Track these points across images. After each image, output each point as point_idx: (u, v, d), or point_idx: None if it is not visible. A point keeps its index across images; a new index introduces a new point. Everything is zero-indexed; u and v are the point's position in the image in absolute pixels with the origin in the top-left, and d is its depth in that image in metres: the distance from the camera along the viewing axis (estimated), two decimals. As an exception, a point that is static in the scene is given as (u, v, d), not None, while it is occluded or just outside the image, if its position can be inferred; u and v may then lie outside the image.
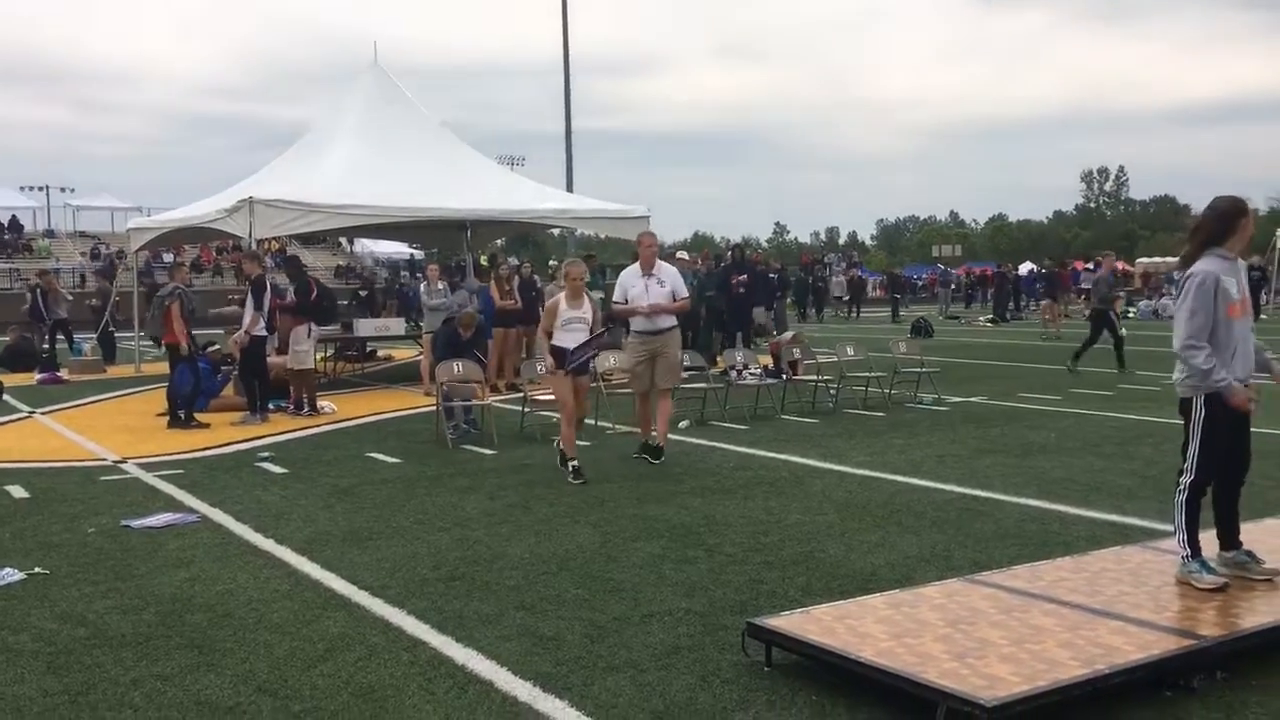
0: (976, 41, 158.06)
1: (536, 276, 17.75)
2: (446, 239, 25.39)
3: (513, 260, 29.38)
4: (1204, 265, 5.30)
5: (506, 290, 16.05)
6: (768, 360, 15.85)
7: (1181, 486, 5.40)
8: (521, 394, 12.53)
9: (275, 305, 13.14)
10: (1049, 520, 7.44)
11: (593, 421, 12.07)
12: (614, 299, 10.21)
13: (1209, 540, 5.49)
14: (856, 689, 4.42)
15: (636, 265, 10.15)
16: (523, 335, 16.60)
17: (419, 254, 50.41)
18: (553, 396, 9.37)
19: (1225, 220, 5.35)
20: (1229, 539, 5.49)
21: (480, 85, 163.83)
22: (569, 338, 9.10)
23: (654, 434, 9.98)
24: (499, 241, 53.74)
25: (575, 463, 9.05)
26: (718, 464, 9.85)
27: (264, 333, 12.88)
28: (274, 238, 17.60)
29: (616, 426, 11.89)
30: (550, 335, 9.12)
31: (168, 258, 40.39)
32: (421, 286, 16.09)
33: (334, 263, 52.48)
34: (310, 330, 13.73)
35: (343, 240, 53.94)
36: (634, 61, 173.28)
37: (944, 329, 30.53)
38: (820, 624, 4.83)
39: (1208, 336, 5.26)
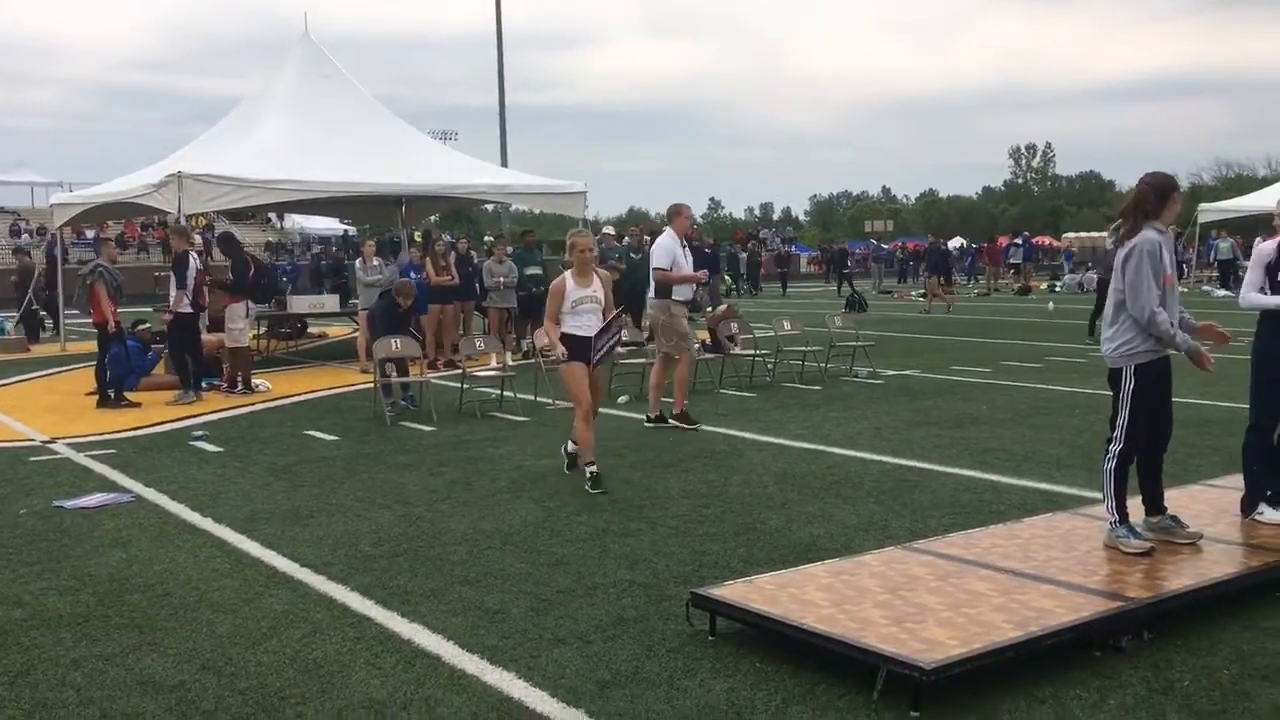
0: (908, 19, 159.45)
1: (474, 252, 17.62)
2: (381, 215, 25.12)
3: (447, 237, 29.17)
4: (1147, 236, 5.45)
5: (442, 266, 15.94)
6: (705, 335, 15.95)
7: (1111, 455, 5.56)
8: (460, 370, 12.48)
9: (202, 281, 12.89)
10: (982, 490, 7.61)
11: (530, 397, 12.08)
12: (659, 265, 10.30)
13: (1136, 507, 5.67)
14: (800, 655, 4.51)
15: (671, 233, 10.45)
16: (460, 311, 16.52)
17: (353, 230, 49.80)
18: (569, 373, 7.86)
19: (1162, 195, 5.50)
20: (1154, 505, 5.67)
21: (412, 58, 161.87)
22: (580, 322, 7.89)
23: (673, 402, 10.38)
24: (433, 218, 53.19)
25: (594, 468, 7.79)
26: (657, 438, 9.91)
27: (188, 310, 12.62)
28: (203, 213, 17.26)
29: (556, 402, 11.90)
30: (556, 321, 7.93)
31: (90, 234, 39.48)
32: (357, 263, 15.90)
33: (264, 239, 51.61)
34: (248, 309, 13.54)
35: (273, 216, 53.09)
36: (568, 35, 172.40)
37: (877, 303, 30.92)
38: (763, 593, 4.92)
39: (1160, 301, 5.42)
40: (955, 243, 53.33)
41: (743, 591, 4.95)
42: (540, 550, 6.32)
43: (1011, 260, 37.71)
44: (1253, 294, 6.02)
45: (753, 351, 14.16)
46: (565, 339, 7.83)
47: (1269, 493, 5.96)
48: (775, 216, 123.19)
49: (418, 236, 25.03)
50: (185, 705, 4.27)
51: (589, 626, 5.03)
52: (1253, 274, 6.08)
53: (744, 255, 39.72)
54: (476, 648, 4.78)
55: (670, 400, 10.44)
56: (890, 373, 14.36)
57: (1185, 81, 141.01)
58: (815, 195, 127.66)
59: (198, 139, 18.75)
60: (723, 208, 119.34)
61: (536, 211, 29.54)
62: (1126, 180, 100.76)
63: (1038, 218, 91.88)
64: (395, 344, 11.40)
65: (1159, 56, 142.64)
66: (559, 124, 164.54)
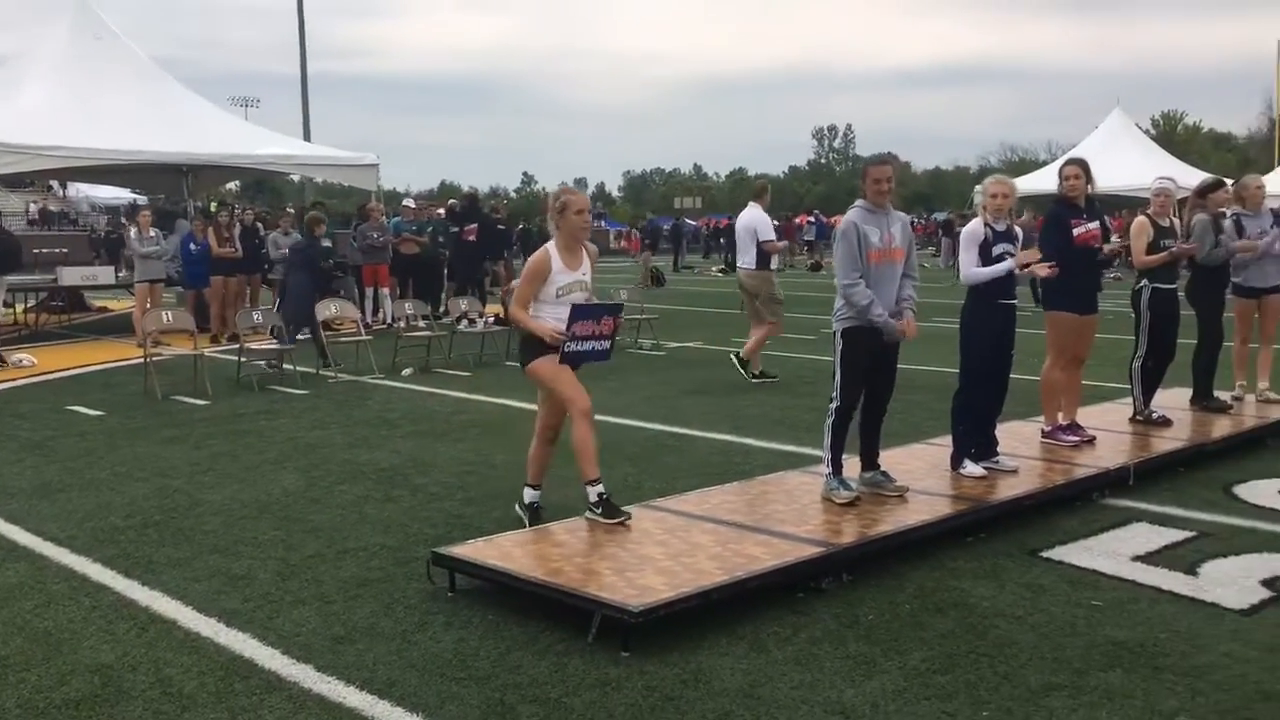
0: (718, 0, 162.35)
1: (260, 224, 17.22)
2: (167, 184, 24.12)
3: (251, 209, 28.24)
4: (848, 215, 5.94)
5: (225, 238, 15.54)
6: (499, 309, 16.10)
7: (829, 413, 6.05)
8: (238, 345, 12.28)
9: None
10: (734, 452, 8.08)
11: (311, 370, 12.00)
12: (767, 237, 11.32)
13: (855, 463, 6.19)
14: (530, 606, 4.79)
15: (758, 207, 11.38)
16: (245, 284, 16.14)
17: (141, 199, 47.46)
18: (556, 371, 5.78)
19: (862, 177, 6.00)
20: (869, 460, 6.20)
21: (207, 21, 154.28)
22: (566, 314, 5.74)
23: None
24: (230, 186, 51.05)
25: (601, 488, 5.68)
26: (435, 409, 10.06)
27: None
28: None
29: (339, 375, 11.86)
30: (526, 307, 5.81)
31: None
32: (132, 233, 15.33)
33: (42, 206, 48.58)
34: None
35: (54, 184, 50.06)
36: (376, 3, 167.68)
37: (676, 279, 31.67)
38: (500, 550, 5.17)
39: (859, 273, 5.88)
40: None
41: (480, 550, 5.19)
42: (296, 519, 6.40)
43: (805, 238, 39.12)
44: (973, 269, 6.58)
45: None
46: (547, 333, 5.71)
47: (972, 449, 6.59)
48: (589, 192, 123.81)
49: (213, 207, 24.22)
50: (-101, 678, 4.22)
51: (332, 588, 5.18)
52: (967, 254, 6.64)
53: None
54: (214, 611, 4.87)
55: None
56: (674, 345, 14.86)
57: (974, 69, 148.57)
58: (629, 171, 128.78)
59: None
60: (536, 182, 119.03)
61: (345, 184, 28.97)
62: (923, 162, 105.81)
63: (838, 197, 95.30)
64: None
65: (950, 44, 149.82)
66: (369, 94, 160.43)
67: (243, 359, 11.62)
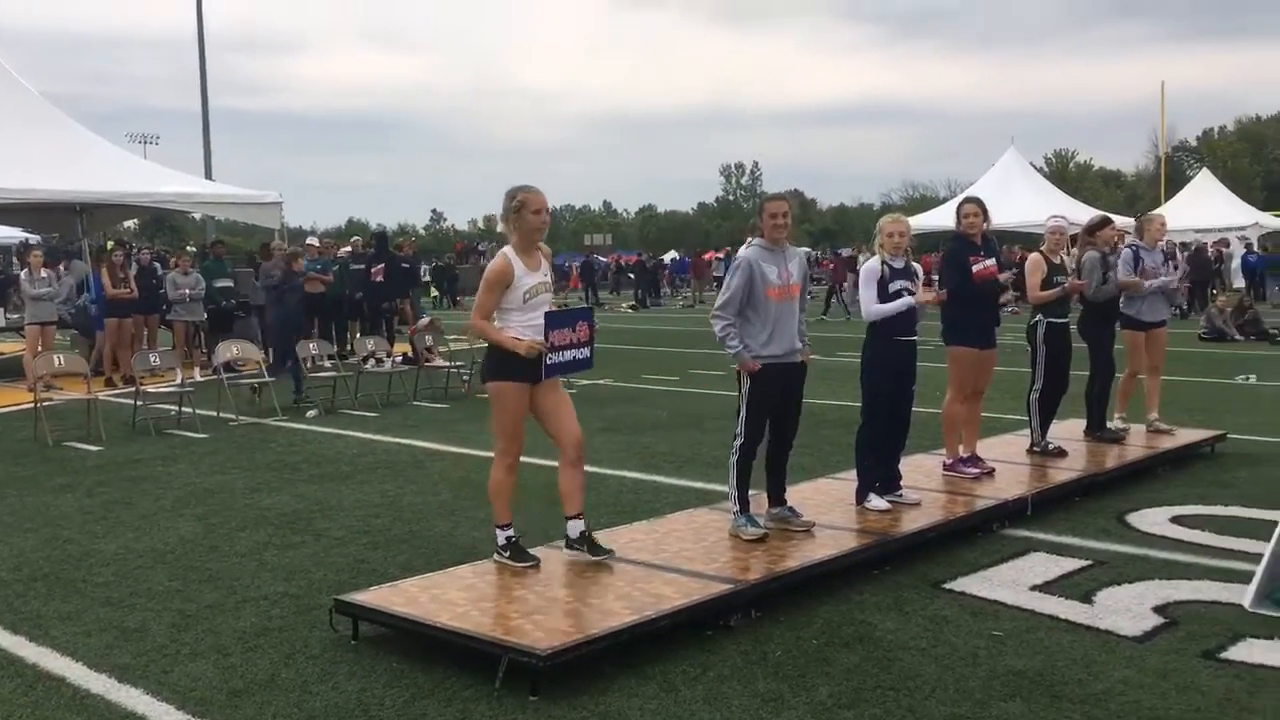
0: (621, 38, 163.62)
1: (157, 264, 16.81)
2: (63, 223, 23.43)
3: (148, 248, 27.55)
4: (743, 252, 6.02)
5: (120, 278, 15.13)
6: (407, 348, 15.96)
7: (733, 450, 6.09)
8: (134, 388, 11.94)
9: None
10: (644, 490, 8.09)
11: (212, 413, 11.72)
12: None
13: (762, 499, 6.24)
14: (436, 653, 4.71)
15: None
16: (141, 325, 15.73)
17: (34, 239, 46.04)
18: (504, 399, 5.52)
19: (759, 213, 6.10)
20: (776, 496, 6.26)
21: (104, 55, 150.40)
22: (536, 320, 5.42)
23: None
24: (129, 225, 49.89)
25: (511, 533, 5.61)
26: (340, 451, 9.88)
27: None
28: None
29: (240, 418, 11.60)
30: (489, 318, 5.45)
31: None
32: (23, 274, 14.85)
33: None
34: None
35: (-60, 222, 48.31)
36: (281, 41, 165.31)
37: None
38: (406, 595, 5.09)
39: (736, 312, 5.94)
40: (669, 256, 55.34)
41: (385, 596, 5.10)
42: (194, 568, 6.22)
43: (715, 274, 39.57)
44: (873, 305, 6.70)
45: (448, 362, 14.28)
46: (517, 344, 5.36)
47: (877, 483, 6.69)
48: (499, 229, 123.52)
49: (110, 245, 23.57)
50: None
51: (230, 639, 5.04)
52: (867, 290, 6.76)
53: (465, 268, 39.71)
54: (106, 667, 4.70)
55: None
56: (584, 382, 14.82)
57: (876, 107, 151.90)
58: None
59: None
60: (445, 219, 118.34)
61: (249, 223, 28.46)
62: (828, 199, 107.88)
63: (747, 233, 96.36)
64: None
65: (853, 84, 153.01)
66: (274, 131, 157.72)
67: (139, 403, 11.29)
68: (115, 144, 21.14)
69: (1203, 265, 27.27)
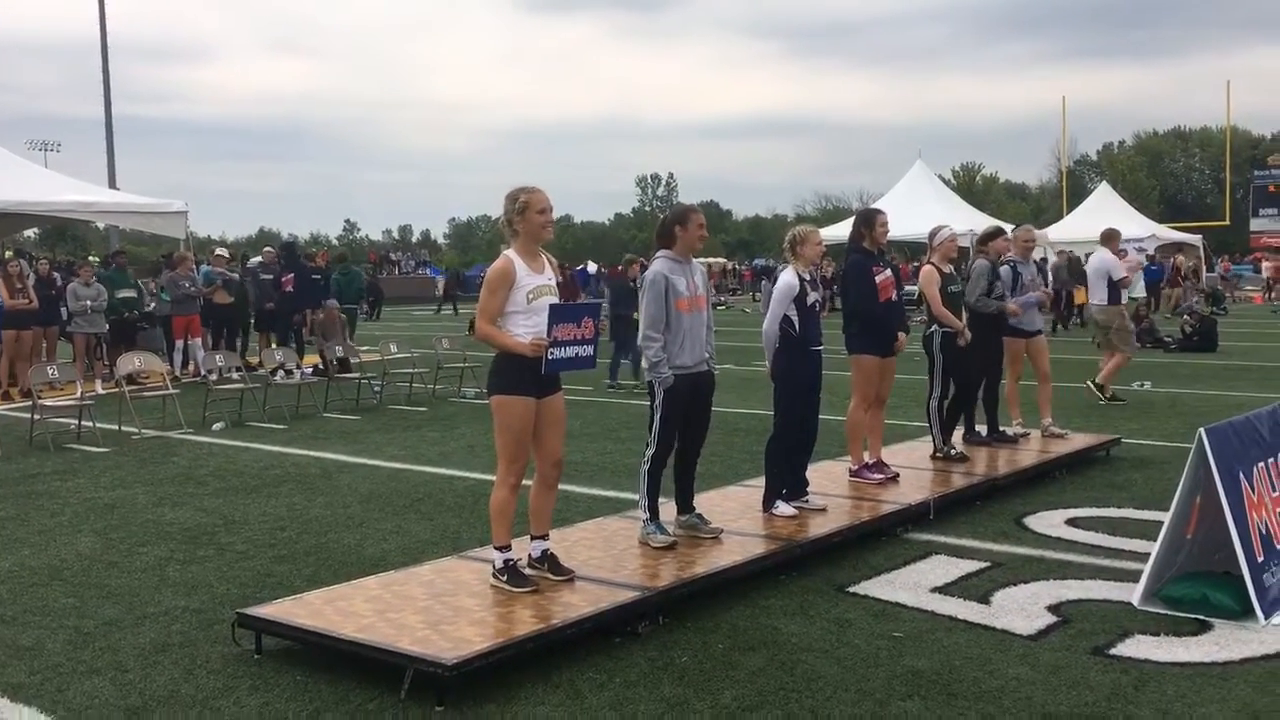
0: (528, 50, 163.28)
1: (57, 274, 16.35)
2: (-45, 232, 22.74)
3: (45, 258, 26.77)
4: (655, 266, 6.06)
5: (18, 289, 14.68)
6: (316, 360, 15.76)
7: (645, 459, 6.14)
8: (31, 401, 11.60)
9: None
10: (556, 499, 8.06)
11: (113, 427, 11.44)
12: (1118, 277, 12.77)
13: (671, 507, 6.29)
14: (341, 665, 4.67)
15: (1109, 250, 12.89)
16: (40, 337, 15.27)
17: (-73, 248, 44.41)
18: (508, 412, 5.36)
19: (667, 227, 6.13)
20: (684, 504, 6.31)
21: (3, 62, 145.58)
22: (541, 323, 5.23)
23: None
24: (29, 234, 48.30)
25: (510, 556, 5.41)
26: (247, 464, 9.71)
27: None
28: None
29: (143, 431, 11.34)
30: (493, 322, 5.29)
31: None
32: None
33: None
34: None
35: None
36: (181, 48, 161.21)
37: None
38: (309, 608, 5.03)
39: (664, 328, 5.99)
40: (592, 267, 55.32)
41: (288, 609, 5.04)
42: (93, 584, 6.08)
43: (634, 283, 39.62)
44: (775, 326, 6.80)
45: (359, 374, 14.13)
46: (528, 346, 5.19)
47: (784, 490, 6.79)
48: (414, 239, 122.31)
49: (8, 255, 22.89)
50: None
51: (129, 656, 4.94)
52: (777, 307, 6.83)
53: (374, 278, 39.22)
54: (-2, 687, 4.58)
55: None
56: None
57: (784, 121, 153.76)
58: (454, 218, 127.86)
59: None
60: (359, 229, 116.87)
61: (149, 232, 27.79)
62: (742, 210, 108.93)
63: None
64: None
65: (759, 98, 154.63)
66: (180, 139, 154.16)
67: (36, 416, 10.98)
68: (14, 152, 20.54)
69: (1077, 275, 27.85)
